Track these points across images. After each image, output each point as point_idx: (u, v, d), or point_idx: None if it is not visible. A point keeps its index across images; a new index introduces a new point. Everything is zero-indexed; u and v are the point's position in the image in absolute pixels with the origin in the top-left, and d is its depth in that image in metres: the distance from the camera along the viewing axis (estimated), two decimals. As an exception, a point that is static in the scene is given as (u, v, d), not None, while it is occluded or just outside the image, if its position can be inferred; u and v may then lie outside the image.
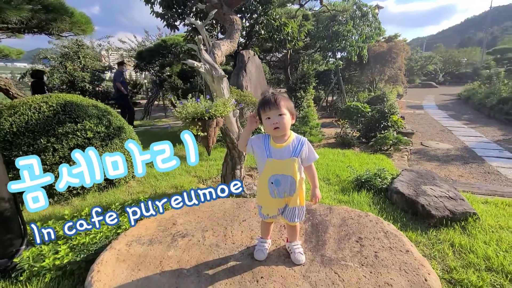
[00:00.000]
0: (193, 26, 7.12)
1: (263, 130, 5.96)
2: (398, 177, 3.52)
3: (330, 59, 10.15)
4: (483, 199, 3.31)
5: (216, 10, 2.61)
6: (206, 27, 8.02)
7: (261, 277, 1.51)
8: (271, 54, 14.87)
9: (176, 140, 7.05)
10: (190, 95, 2.41)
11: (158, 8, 6.78)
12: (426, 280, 1.39)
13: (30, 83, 8.95)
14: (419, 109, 13.64)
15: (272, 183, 1.46)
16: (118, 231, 2.32)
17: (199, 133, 2.40)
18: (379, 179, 3.65)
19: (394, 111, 7.20)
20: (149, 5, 6.76)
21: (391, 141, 5.93)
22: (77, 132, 3.36)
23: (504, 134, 7.95)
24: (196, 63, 2.28)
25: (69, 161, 3.24)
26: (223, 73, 2.52)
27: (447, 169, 5.29)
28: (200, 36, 2.24)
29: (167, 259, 1.69)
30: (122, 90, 7.91)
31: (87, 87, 9.56)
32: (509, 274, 1.95)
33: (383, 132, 6.49)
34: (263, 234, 1.71)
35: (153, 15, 6.86)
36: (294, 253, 1.62)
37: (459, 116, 11.46)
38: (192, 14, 6.73)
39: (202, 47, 2.24)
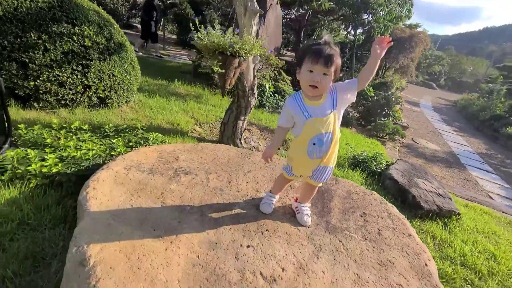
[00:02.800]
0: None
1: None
2: (393, 165, 3.56)
3: (351, 32, 9.58)
4: (464, 202, 3.48)
5: None
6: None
7: (266, 230, 1.47)
8: (288, 11, 13.76)
9: (175, 76, 6.59)
10: (209, 24, 2.11)
11: None
12: (426, 265, 1.43)
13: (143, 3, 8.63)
14: (416, 106, 13.75)
15: (314, 144, 1.32)
16: (112, 153, 2.17)
17: (216, 69, 2.17)
18: (374, 163, 3.68)
19: (399, 101, 7.15)
20: None
21: (388, 130, 5.97)
22: (74, 36, 2.95)
23: (488, 149, 8.30)
24: (234, -14, 1.95)
25: (61, 66, 2.90)
26: (258, 7, 2.21)
27: (432, 168, 5.48)
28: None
29: (169, 192, 1.59)
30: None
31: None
32: (480, 273, 2.10)
33: (383, 119, 6.48)
34: (275, 190, 1.63)
35: None
36: (301, 214, 1.58)
37: (451, 122, 11.73)
38: None
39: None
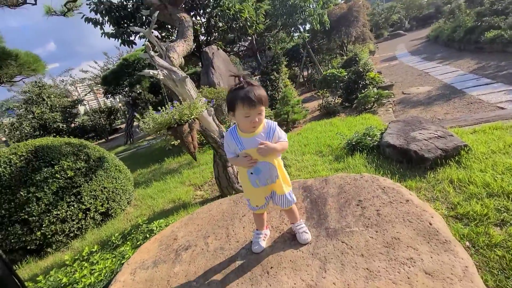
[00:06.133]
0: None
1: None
2: (386, 131, 3.51)
3: (295, 34, 10.03)
4: (471, 130, 3.34)
5: (158, 12, 2.48)
6: (164, 33, 7.77)
7: (271, 268, 1.47)
8: (237, 44, 14.62)
9: (164, 154, 6.85)
10: (151, 107, 2.30)
11: (108, 28, 6.51)
12: (430, 224, 1.37)
13: None
14: (393, 60, 13.69)
15: (251, 173, 1.39)
16: (123, 262, 2.25)
17: (173, 142, 2.32)
18: (369, 138, 3.65)
19: (369, 68, 7.19)
20: (98, 27, 6.48)
21: (373, 98, 5.94)
22: (56, 175, 3.23)
23: (478, 63, 8.06)
24: (151, 72, 2.17)
25: (56, 206, 3.13)
26: (184, 74, 2.42)
27: (432, 110, 5.33)
28: (147, 42, 2.13)
29: (174, 276, 1.63)
30: None
31: (61, 127, 9.23)
32: (511, 195, 1.97)
33: (363, 91, 6.48)
34: (258, 226, 1.65)
35: (104, 37, 6.58)
36: (298, 233, 1.58)
37: (432, 56, 11.56)
38: (143, 24, 6.48)
39: (152, 53, 2.12)
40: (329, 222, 1.66)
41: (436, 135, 2.97)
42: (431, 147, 2.77)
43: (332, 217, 1.70)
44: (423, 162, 2.69)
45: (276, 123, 1.45)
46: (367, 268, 1.27)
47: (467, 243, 1.72)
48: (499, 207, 1.90)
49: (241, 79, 1.34)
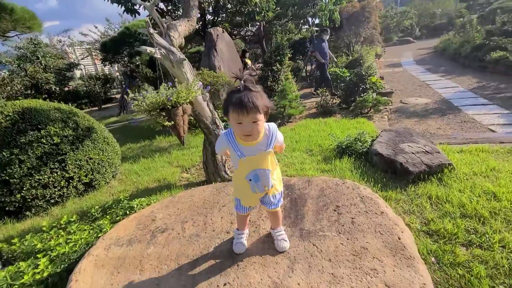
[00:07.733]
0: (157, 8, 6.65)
1: None
2: (377, 139, 3.55)
3: (304, 27, 9.84)
4: (458, 149, 3.40)
5: (163, -13, 2.40)
6: (170, 7, 7.52)
7: (241, 261, 1.50)
8: (244, 29, 14.29)
9: (155, 132, 6.75)
10: (146, 84, 2.26)
11: (112, -7, 6.25)
12: (399, 238, 1.42)
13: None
14: (398, 66, 13.64)
15: (250, 180, 1.34)
16: (99, 235, 2.27)
17: (165, 124, 2.30)
18: (359, 143, 3.68)
19: (371, 73, 7.16)
20: (102, -11, 6.23)
21: (370, 103, 5.96)
22: (42, 139, 3.18)
23: (478, 82, 8.11)
24: (149, 49, 2.11)
25: (39, 171, 3.10)
26: (182, 56, 2.37)
27: (426, 123, 5.39)
28: (147, 18, 2.06)
29: (147, 257, 1.66)
30: (319, 58, 8.24)
31: (53, 89, 9.00)
32: (482, 218, 2.04)
33: (362, 95, 6.48)
34: (240, 226, 1.62)
35: (107, 1, 6.33)
36: (277, 240, 1.56)
37: (436, 69, 11.56)
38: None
39: (152, 30, 2.06)
40: (305, 223, 1.70)
41: (424, 150, 3.02)
42: (417, 161, 2.82)
43: (309, 219, 1.74)
44: (406, 175, 2.75)
45: (275, 125, 1.37)
46: (332, 273, 1.32)
47: (433, 259, 1.79)
48: (469, 228, 1.97)
49: (241, 82, 1.24)
